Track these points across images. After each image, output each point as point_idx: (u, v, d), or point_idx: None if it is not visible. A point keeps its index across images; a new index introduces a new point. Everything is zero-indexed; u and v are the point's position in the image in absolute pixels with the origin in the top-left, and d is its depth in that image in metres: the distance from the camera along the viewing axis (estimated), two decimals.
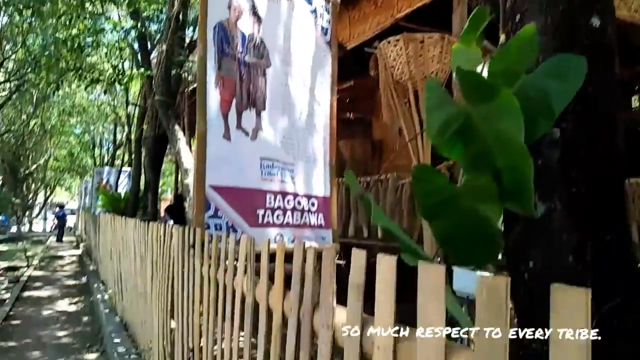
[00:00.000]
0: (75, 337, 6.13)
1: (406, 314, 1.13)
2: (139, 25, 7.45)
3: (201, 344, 2.40)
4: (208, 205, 2.72)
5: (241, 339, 1.91)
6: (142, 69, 7.49)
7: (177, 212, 10.07)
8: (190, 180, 6.65)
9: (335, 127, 3.71)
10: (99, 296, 7.46)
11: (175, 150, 6.78)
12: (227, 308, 2.04)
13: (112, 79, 7.94)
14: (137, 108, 13.10)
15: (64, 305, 8.14)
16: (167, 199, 22.51)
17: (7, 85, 10.74)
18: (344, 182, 7.01)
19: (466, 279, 3.82)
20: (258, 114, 3.08)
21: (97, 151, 25.11)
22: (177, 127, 6.71)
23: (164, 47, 6.75)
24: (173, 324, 3.00)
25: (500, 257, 1.48)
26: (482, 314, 0.79)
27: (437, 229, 1.39)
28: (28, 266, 13.00)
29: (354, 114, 9.58)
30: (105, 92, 7.51)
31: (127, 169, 16.26)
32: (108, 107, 18.97)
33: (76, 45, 6.74)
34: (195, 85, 9.65)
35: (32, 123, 17.10)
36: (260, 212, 3.03)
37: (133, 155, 12.53)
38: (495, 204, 1.26)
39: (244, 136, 2.95)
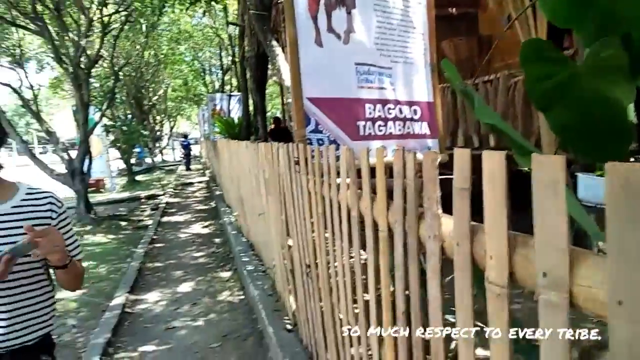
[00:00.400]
0: (210, 257, 7.02)
1: (523, 225, 1.03)
2: None
3: (317, 260, 2.55)
4: (308, 120, 2.75)
5: (352, 253, 1.98)
6: None
7: (278, 134, 10.55)
8: (292, 100, 6.79)
9: (434, 20, 3.39)
10: (226, 219, 8.34)
11: (275, 68, 6.88)
12: (335, 223, 2.10)
13: None
14: (237, 28, 13.48)
15: (198, 228, 9.29)
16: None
17: (118, 17, 11.73)
18: (449, 88, 6.56)
19: (592, 187, 3.38)
20: (348, 13, 2.92)
21: (207, 78, 26.89)
22: (274, 42, 6.74)
23: None
24: (290, 241, 3.23)
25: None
26: (612, 210, 0.68)
27: (554, 120, 1.19)
28: (164, 194, 14.98)
29: (457, 9, 8.73)
30: (204, 14, 7.75)
31: (236, 93, 17.21)
32: (211, 31, 19.89)
33: None
34: None
35: (145, 55, 18.76)
36: (361, 123, 2.98)
37: (240, 79, 13.21)
38: (625, 81, 1.02)
39: (336, 40, 2.84)
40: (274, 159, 3.36)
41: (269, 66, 9.18)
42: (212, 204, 12.14)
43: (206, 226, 9.41)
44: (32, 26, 10.60)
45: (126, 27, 14.67)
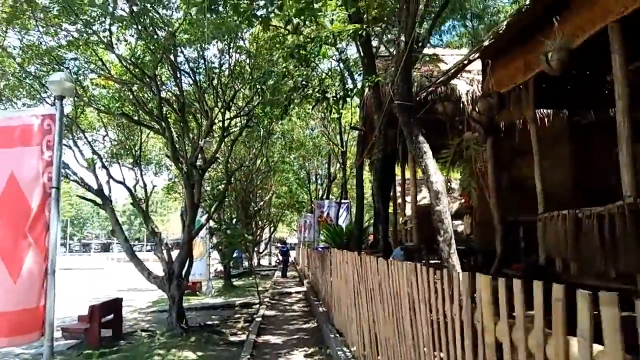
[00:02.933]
0: None
1: None
2: (364, 26, 6.56)
3: None
4: None
5: None
6: (373, 76, 6.54)
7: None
8: (442, 206, 5.16)
9: None
10: (339, 352, 6.46)
11: (421, 166, 5.40)
12: None
13: (339, 95, 7.23)
14: (354, 134, 12.63)
15: (300, 357, 7.47)
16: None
17: (238, 121, 11.39)
18: None
19: None
20: None
21: (312, 187, 26.47)
22: (421, 137, 5.37)
23: (402, 39, 5.57)
24: None
25: None
26: None
27: None
28: (260, 303, 13.48)
29: None
30: (330, 112, 6.82)
31: (345, 201, 16.07)
32: (323, 140, 19.53)
33: (302, 57, 6.16)
34: (428, 89, 8.28)
35: (258, 161, 18.65)
36: None
37: (353, 183, 12.11)
38: None
39: None
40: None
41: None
42: (314, 322, 10.34)
43: (310, 354, 7.56)
44: (156, 126, 10.46)
45: (244, 133, 14.57)
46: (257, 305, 13.56)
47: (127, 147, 12.33)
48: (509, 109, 6.27)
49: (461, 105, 6.98)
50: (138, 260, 10.50)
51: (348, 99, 7.43)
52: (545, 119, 7.24)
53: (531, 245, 7.05)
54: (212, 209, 12.17)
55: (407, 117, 5.44)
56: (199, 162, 10.76)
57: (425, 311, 2.80)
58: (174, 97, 10.61)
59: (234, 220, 19.60)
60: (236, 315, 12.70)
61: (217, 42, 10.55)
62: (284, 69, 7.35)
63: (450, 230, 5.06)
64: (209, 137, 10.08)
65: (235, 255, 24.40)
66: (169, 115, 10.51)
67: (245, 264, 26.93)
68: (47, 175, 5.93)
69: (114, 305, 10.26)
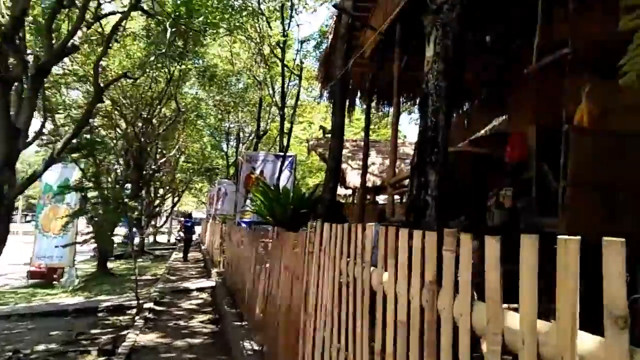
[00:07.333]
0: None
1: None
2: None
3: None
4: None
5: None
6: None
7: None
8: None
9: None
10: None
11: None
12: None
13: None
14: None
15: None
16: None
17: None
18: None
19: None
20: None
21: (230, 151, 20.58)
22: None
23: None
24: None
25: None
26: None
27: None
28: (138, 310, 7.94)
29: None
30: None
31: (291, 153, 10.85)
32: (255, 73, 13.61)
33: None
34: None
35: (162, 102, 12.58)
36: None
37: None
38: None
39: None
40: None
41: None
42: None
43: None
44: None
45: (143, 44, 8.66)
46: (134, 311, 8.06)
47: None
48: None
49: None
50: None
51: None
52: None
53: None
54: (62, 144, 6.37)
55: None
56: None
57: None
58: None
59: (120, 182, 13.42)
60: (93, 331, 7.18)
61: None
62: None
63: None
64: None
65: (126, 229, 18.04)
66: None
67: (137, 239, 20.59)
68: None
69: None
